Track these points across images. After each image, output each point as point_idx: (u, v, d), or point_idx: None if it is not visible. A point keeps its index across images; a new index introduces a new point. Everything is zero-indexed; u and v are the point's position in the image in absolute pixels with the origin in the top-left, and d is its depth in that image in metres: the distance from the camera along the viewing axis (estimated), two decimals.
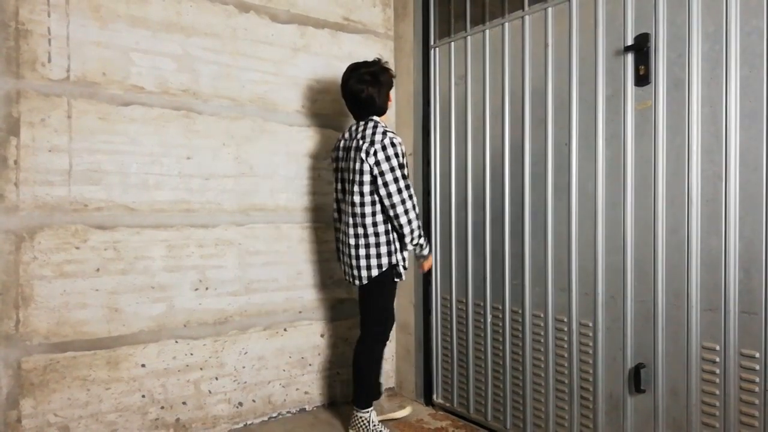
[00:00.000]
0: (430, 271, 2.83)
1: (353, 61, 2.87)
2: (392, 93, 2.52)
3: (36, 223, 2.10)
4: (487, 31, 2.51)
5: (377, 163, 2.24)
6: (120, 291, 2.27)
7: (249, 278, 2.60)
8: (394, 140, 2.28)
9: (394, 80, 2.50)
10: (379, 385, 2.65)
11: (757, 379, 1.68)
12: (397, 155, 2.26)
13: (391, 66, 2.96)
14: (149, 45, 2.31)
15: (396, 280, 2.38)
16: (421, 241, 2.36)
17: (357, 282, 2.36)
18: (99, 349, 2.23)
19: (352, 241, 2.32)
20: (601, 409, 2.08)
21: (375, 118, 2.38)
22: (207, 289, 2.48)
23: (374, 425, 2.42)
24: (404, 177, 2.27)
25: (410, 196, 2.27)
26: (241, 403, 2.59)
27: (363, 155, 2.26)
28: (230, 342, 2.55)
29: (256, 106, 2.59)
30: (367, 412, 2.43)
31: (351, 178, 2.33)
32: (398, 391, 3.06)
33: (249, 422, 2.62)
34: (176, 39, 2.38)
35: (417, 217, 2.30)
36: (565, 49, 2.17)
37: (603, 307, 2.07)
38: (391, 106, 2.61)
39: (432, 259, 2.68)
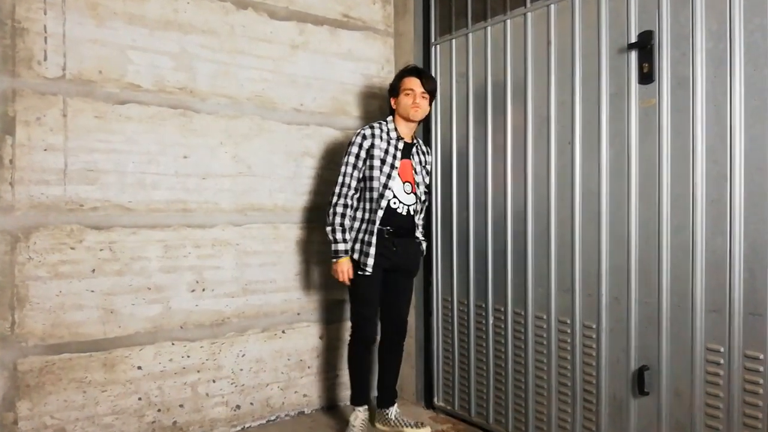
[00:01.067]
0: (430, 271, 2.80)
1: (352, 58, 2.87)
2: (401, 93, 2.36)
3: (31, 223, 2.08)
4: (489, 29, 2.48)
5: None
6: (116, 292, 2.24)
7: (246, 279, 2.57)
8: (359, 131, 2.33)
9: (397, 80, 2.41)
10: (394, 392, 2.58)
11: (762, 381, 1.65)
12: (351, 144, 2.33)
13: (392, 65, 2.96)
14: (146, 43, 2.29)
15: (359, 272, 2.31)
16: (330, 236, 2.33)
17: None
18: (95, 351, 2.20)
19: None
20: (605, 411, 2.06)
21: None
22: (204, 290, 2.45)
23: (361, 423, 2.42)
24: (343, 173, 2.31)
25: (335, 194, 2.32)
26: (238, 406, 2.56)
27: None
28: (228, 344, 2.53)
29: (254, 105, 2.57)
30: (356, 409, 2.44)
31: None
32: (399, 393, 3.02)
33: (247, 425, 2.59)
34: (173, 37, 2.35)
35: (333, 214, 2.32)
36: (568, 47, 2.14)
37: (606, 309, 2.04)
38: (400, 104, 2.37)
39: (343, 269, 2.29)
